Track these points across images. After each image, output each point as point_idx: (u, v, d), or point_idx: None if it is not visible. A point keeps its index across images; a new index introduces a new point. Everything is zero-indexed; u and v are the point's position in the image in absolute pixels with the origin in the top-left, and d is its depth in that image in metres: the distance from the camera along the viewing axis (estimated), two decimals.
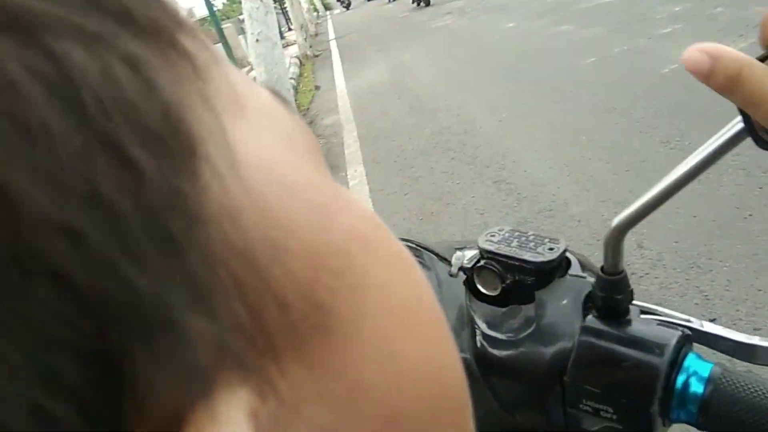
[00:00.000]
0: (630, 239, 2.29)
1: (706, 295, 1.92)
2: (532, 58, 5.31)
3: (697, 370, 0.32)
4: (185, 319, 0.10)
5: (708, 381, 0.32)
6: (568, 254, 0.39)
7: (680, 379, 0.32)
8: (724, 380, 0.32)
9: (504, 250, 0.38)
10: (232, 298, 0.11)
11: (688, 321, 0.39)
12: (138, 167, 0.10)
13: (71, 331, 0.09)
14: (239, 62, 8.49)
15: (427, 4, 14.48)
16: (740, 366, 0.39)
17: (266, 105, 0.16)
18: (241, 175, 0.12)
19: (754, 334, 0.37)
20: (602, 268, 0.34)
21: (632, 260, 2.16)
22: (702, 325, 0.38)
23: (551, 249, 0.38)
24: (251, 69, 4.60)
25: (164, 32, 0.12)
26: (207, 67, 0.14)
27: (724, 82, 0.27)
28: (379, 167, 3.87)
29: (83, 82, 0.10)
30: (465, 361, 0.37)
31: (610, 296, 0.34)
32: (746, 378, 0.31)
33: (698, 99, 3.22)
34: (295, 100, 5.28)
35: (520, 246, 0.39)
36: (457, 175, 3.33)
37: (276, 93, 0.18)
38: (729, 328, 0.39)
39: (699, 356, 0.33)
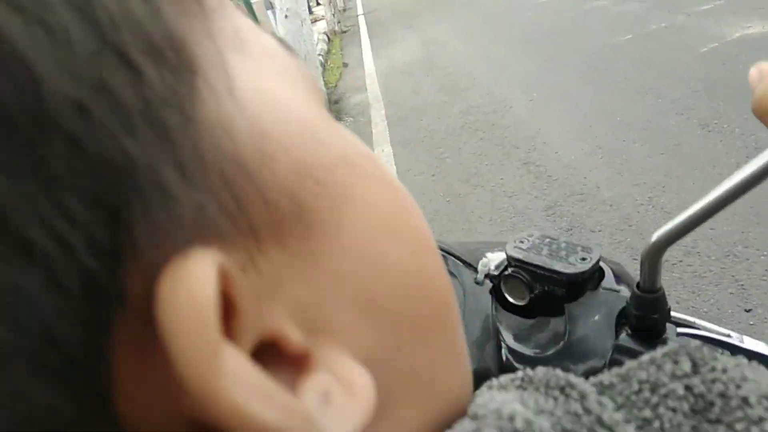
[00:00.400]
0: None
1: (742, 285, 1.87)
2: (566, 35, 5.17)
3: None
4: (172, 184, 0.13)
5: None
6: (601, 264, 0.37)
7: None
8: None
9: (533, 258, 0.37)
10: (219, 187, 0.14)
11: (728, 336, 0.37)
12: (140, 69, 0.13)
13: (80, 179, 0.12)
14: None
15: None
16: None
17: (268, 46, 0.19)
18: (237, 96, 0.15)
19: None
20: (638, 285, 0.32)
21: None
22: (742, 341, 0.36)
23: (584, 259, 0.36)
24: None
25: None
26: (214, 10, 0.16)
27: (753, 102, 0.27)
28: (406, 147, 3.84)
29: (99, 2, 0.13)
30: (488, 375, 0.36)
31: (646, 315, 0.32)
32: None
33: (738, 79, 3.10)
34: (323, 78, 5.26)
35: (550, 254, 0.37)
36: (485, 157, 3.28)
37: (281, 41, 0.20)
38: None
39: None
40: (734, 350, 0.35)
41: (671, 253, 2.07)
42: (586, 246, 0.37)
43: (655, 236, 0.31)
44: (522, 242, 0.39)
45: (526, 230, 2.39)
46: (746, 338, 0.36)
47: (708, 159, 2.53)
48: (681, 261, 2.04)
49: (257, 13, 8.97)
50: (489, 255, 0.42)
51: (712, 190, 0.28)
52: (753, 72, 0.26)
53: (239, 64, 0.16)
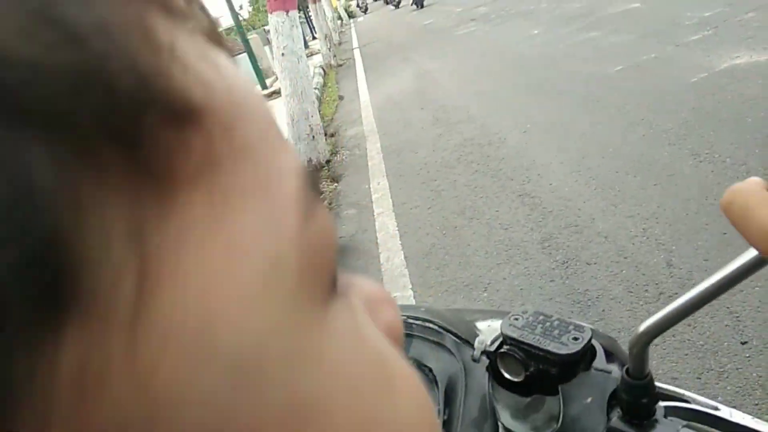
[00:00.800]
0: (659, 257, 2.26)
1: (737, 317, 1.88)
2: (558, 66, 5.26)
3: None
4: None
5: None
6: (593, 342, 0.39)
7: None
8: None
9: (527, 337, 0.38)
10: None
11: (716, 409, 0.38)
12: None
13: None
14: (264, 73, 8.56)
15: (421, 6, 17.24)
16: None
17: (267, 216, 0.13)
18: (140, 332, 0.10)
19: None
20: (627, 370, 0.34)
21: (661, 279, 2.12)
22: (731, 415, 0.38)
23: (576, 339, 0.38)
24: (276, 80, 4.67)
25: (135, 141, 0.10)
26: (190, 177, 0.11)
27: (722, 201, 0.29)
28: (402, 180, 3.87)
29: None
30: None
31: (636, 399, 0.33)
32: None
33: (728, 109, 3.16)
34: (319, 111, 5.35)
35: (544, 333, 0.38)
36: (480, 189, 3.32)
37: (312, 178, 0.16)
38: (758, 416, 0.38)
39: None
40: (721, 424, 0.37)
41: (667, 286, 2.08)
42: (578, 324, 0.39)
43: (643, 327, 0.32)
44: (516, 319, 0.40)
45: (522, 262, 2.40)
46: (734, 412, 0.37)
47: (700, 189, 2.56)
48: (676, 293, 2.05)
49: (254, 49, 9.13)
50: (483, 328, 0.44)
51: (696, 287, 0.30)
52: (748, 181, 0.28)
53: (192, 267, 0.11)
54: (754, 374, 1.62)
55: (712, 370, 1.70)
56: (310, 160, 4.50)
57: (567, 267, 2.36)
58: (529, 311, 0.41)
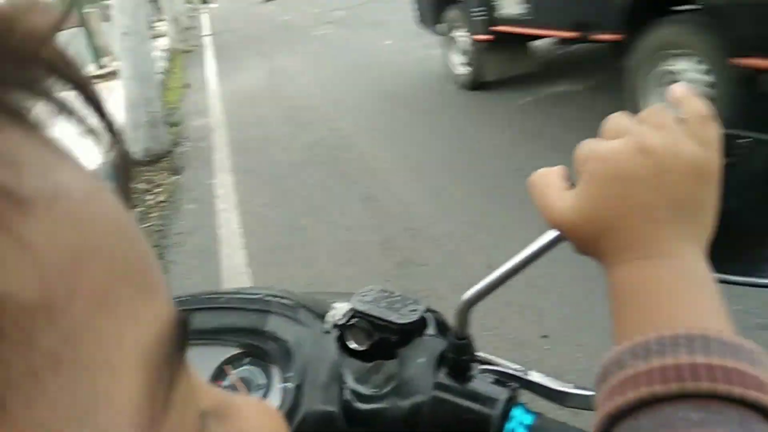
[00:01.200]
0: (481, 260, 2.50)
1: (541, 314, 2.14)
2: (406, 77, 5.55)
3: (522, 420, 0.40)
4: None
5: (530, 429, 0.40)
6: (426, 314, 0.46)
7: (508, 427, 0.40)
8: (542, 428, 0.40)
9: (374, 310, 0.44)
10: None
11: (519, 370, 0.47)
12: None
13: None
14: (100, 51, 7.85)
15: None
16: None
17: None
18: None
19: (568, 382, 0.46)
20: (453, 334, 0.41)
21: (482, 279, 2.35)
22: (527, 374, 0.47)
23: (413, 311, 0.44)
24: (114, 59, 4.34)
25: None
26: None
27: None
28: (249, 176, 3.82)
29: None
30: (332, 414, 0.42)
31: (459, 357, 0.41)
32: (560, 427, 0.40)
33: (550, 130, 3.59)
34: (161, 98, 5.05)
35: (387, 306, 0.44)
36: (327, 190, 3.40)
37: (176, 338, 0.12)
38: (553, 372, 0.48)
39: (524, 408, 0.42)
40: (521, 381, 0.46)
41: None
42: (415, 299, 0.46)
43: (466, 296, 0.40)
44: (365, 295, 0.46)
45: (362, 263, 2.51)
46: (532, 373, 0.47)
47: (519, 201, 2.87)
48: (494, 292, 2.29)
49: (92, 23, 8.33)
50: (336, 305, 0.49)
51: (508, 261, 0.38)
52: (553, 168, 0.35)
53: None
54: (553, 363, 1.87)
55: (516, 361, 1.93)
56: (148, 150, 4.24)
57: (402, 268, 2.52)
58: (376, 288, 0.47)
